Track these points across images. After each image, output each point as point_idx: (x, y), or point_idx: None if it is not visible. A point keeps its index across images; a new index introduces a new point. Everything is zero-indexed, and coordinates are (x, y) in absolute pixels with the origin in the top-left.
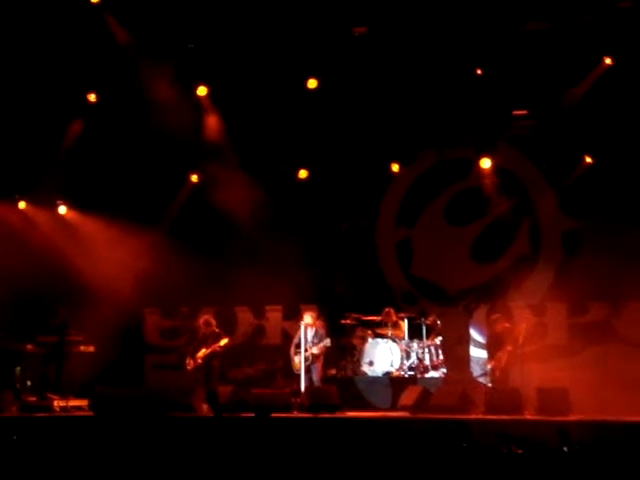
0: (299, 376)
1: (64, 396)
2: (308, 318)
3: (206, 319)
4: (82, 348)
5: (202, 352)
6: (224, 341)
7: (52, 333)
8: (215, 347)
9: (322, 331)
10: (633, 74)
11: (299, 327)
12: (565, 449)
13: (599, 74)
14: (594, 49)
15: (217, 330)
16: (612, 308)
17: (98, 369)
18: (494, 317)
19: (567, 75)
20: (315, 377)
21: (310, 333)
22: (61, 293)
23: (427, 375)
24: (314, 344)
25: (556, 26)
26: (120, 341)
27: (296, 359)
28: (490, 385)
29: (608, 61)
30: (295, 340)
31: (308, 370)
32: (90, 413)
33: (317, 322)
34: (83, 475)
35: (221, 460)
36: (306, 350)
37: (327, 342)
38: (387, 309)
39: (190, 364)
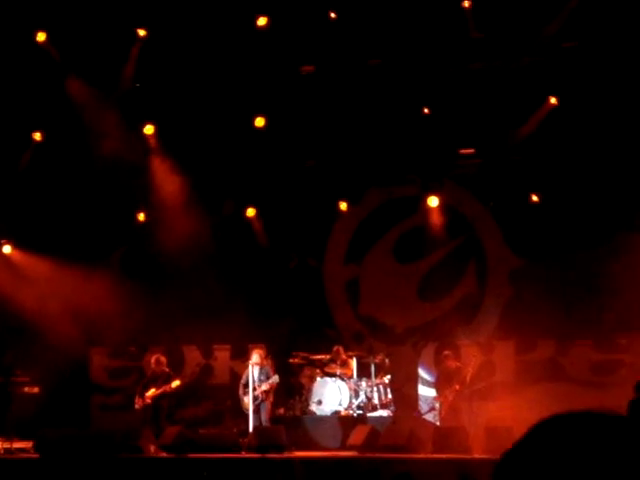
0: (247, 416)
1: (8, 438)
2: (256, 357)
3: (157, 357)
4: (27, 389)
5: (152, 392)
6: (176, 383)
7: None
8: (166, 388)
9: (270, 369)
10: (578, 113)
11: (247, 366)
12: None
13: (545, 113)
14: (540, 88)
15: (168, 370)
16: (559, 346)
17: (43, 410)
18: (445, 353)
19: (513, 114)
20: (264, 417)
21: (257, 372)
22: (6, 334)
23: (376, 414)
24: (262, 382)
25: (502, 65)
26: (65, 381)
27: (245, 399)
28: (438, 423)
29: (553, 100)
30: (243, 380)
31: (257, 410)
32: (35, 455)
33: (265, 361)
34: None
35: None
36: (255, 389)
37: (275, 379)
38: (336, 347)
39: (139, 403)
